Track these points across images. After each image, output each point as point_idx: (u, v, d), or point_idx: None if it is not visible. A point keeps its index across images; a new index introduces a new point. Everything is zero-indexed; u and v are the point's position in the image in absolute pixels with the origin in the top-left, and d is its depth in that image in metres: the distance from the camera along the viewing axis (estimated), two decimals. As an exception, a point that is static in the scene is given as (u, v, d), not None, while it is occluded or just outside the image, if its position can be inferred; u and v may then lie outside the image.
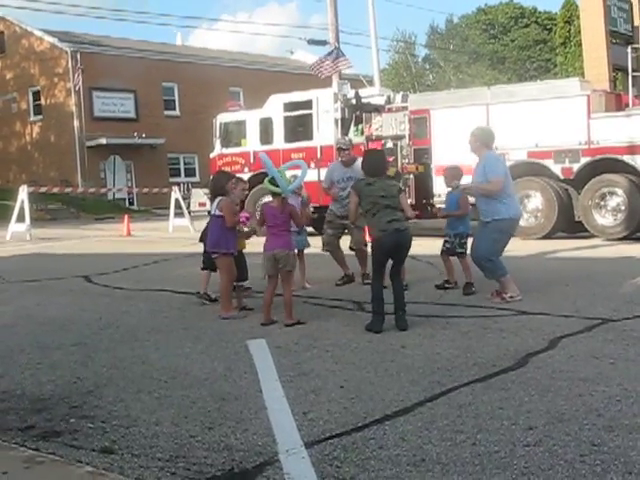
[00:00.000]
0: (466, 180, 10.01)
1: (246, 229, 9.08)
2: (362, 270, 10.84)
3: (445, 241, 10.28)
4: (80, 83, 40.46)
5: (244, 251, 9.38)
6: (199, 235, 10.13)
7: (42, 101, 45.58)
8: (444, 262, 10.28)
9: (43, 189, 29.40)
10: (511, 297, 8.89)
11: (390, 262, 7.99)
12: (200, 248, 9.90)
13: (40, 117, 45.83)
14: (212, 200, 9.20)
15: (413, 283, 10.23)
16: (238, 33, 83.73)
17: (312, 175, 13.11)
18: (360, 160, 10.69)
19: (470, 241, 9.81)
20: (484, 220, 9.15)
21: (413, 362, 6.28)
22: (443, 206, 11.61)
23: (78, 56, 42.24)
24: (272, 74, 47.91)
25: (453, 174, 10.29)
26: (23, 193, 23.09)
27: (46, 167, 44.27)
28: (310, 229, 15.75)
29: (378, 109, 19.28)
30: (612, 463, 3.99)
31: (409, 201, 17.01)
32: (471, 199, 9.95)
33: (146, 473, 4.11)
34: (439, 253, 10.39)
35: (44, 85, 45.39)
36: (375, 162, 8.39)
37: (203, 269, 9.76)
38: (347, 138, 14.55)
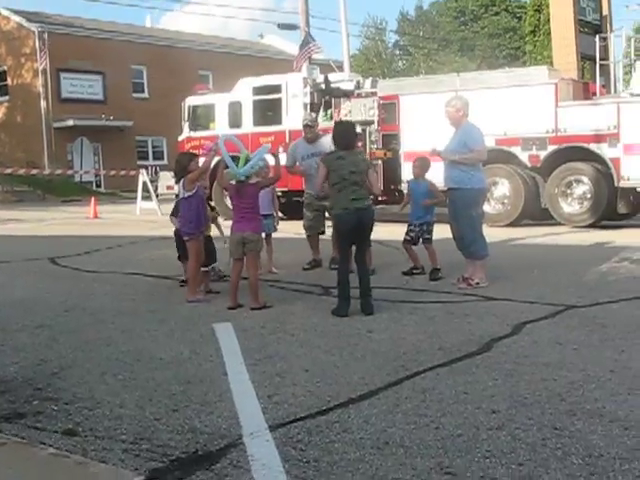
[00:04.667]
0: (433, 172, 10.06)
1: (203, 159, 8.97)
2: (333, 254, 10.73)
3: (409, 230, 10.19)
4: (47, 64, 39.87)
5: (211, 235, 9.35)
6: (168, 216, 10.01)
7: (8, 81, 44.92)
8: (406, 251, 10.23)
9: (9, 170, 29.18)
10: (477, 283, 8.94)
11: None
12: (167, 231, 9.80)
13: (6, 98, 45.16)
14: (177, 182, 9.05)
15: (380, 268, 10.24)
16: (209, 16, 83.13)
17: (282, 160, 13.06)
18: (325, 137, 10.65)
19: (436, 228, 9.87)
20: (454, 187, 9.02)
21: (379, 346, 6.32)
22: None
23: (45, 36, 41.67)
24: (242, 58, 47.67)
25: (422, 165, 10.26)
26: (-12, 174, 22.86)
27: (12, 148, 43.67)
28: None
29: (347, 94, 19.25)
30: (573, 447, 4.05)
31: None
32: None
33: (109, 455, 4.10)
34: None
35: (11, 65, 44.73)
36: (346, 133, 8.31)
37: (179, 258, 9.59)
38: (313, 114, 14.50)
